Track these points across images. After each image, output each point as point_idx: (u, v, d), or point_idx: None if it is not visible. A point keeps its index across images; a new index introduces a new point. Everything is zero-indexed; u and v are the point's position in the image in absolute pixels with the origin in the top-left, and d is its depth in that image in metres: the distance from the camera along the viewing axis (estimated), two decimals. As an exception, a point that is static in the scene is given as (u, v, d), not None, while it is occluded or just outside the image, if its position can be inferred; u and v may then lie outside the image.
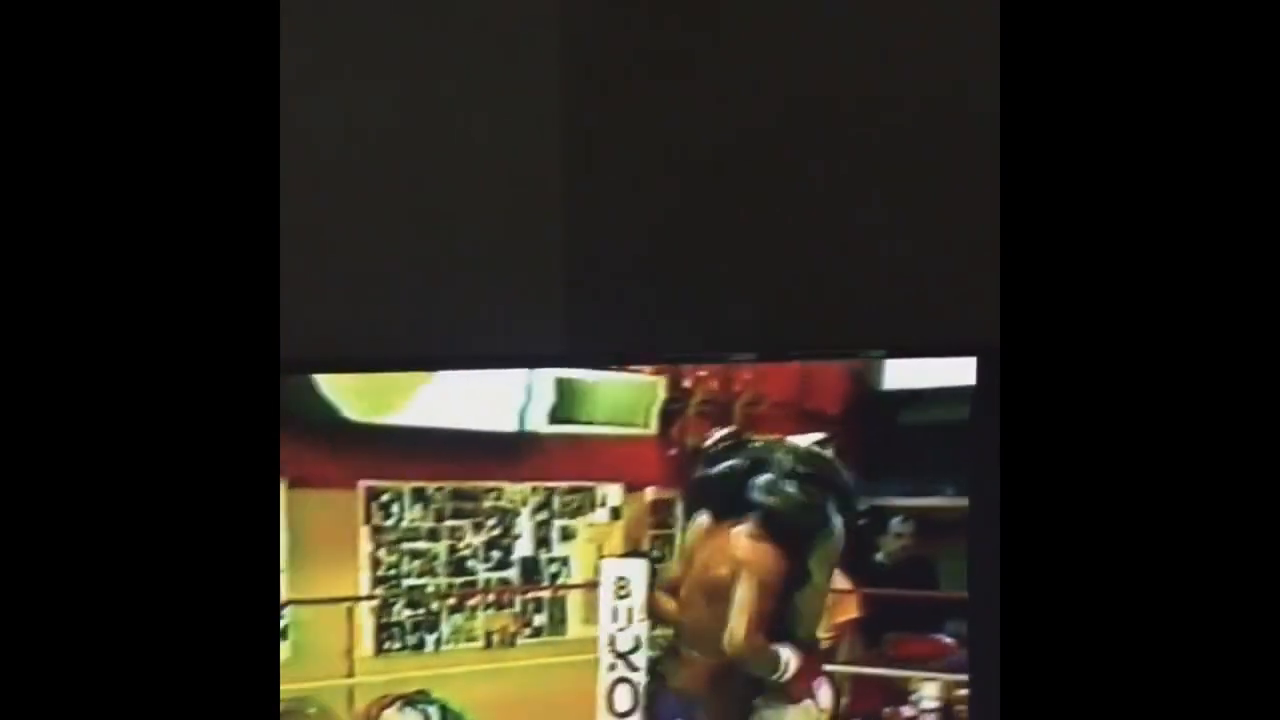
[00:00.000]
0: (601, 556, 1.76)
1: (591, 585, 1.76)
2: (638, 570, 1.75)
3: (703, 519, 1.73)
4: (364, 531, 1.71)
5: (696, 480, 1.74)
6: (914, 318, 1.77)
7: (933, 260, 1.79)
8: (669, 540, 1.75)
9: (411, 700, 1.73)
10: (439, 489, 1.73)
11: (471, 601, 1.75)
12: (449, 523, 1.74)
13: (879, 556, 1.74)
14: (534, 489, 1.75)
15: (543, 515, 1.76)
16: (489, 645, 1.75)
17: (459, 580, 1.74)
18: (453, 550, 1.74)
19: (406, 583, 1.73)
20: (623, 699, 1.75)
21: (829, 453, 1.71)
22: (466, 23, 1.91)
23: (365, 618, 1.72)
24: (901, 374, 1.72)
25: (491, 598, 1.75)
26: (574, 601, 1.76)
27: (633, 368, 1.74)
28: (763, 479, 1.72)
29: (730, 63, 1.87)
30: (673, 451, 1.74)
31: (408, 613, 1.74)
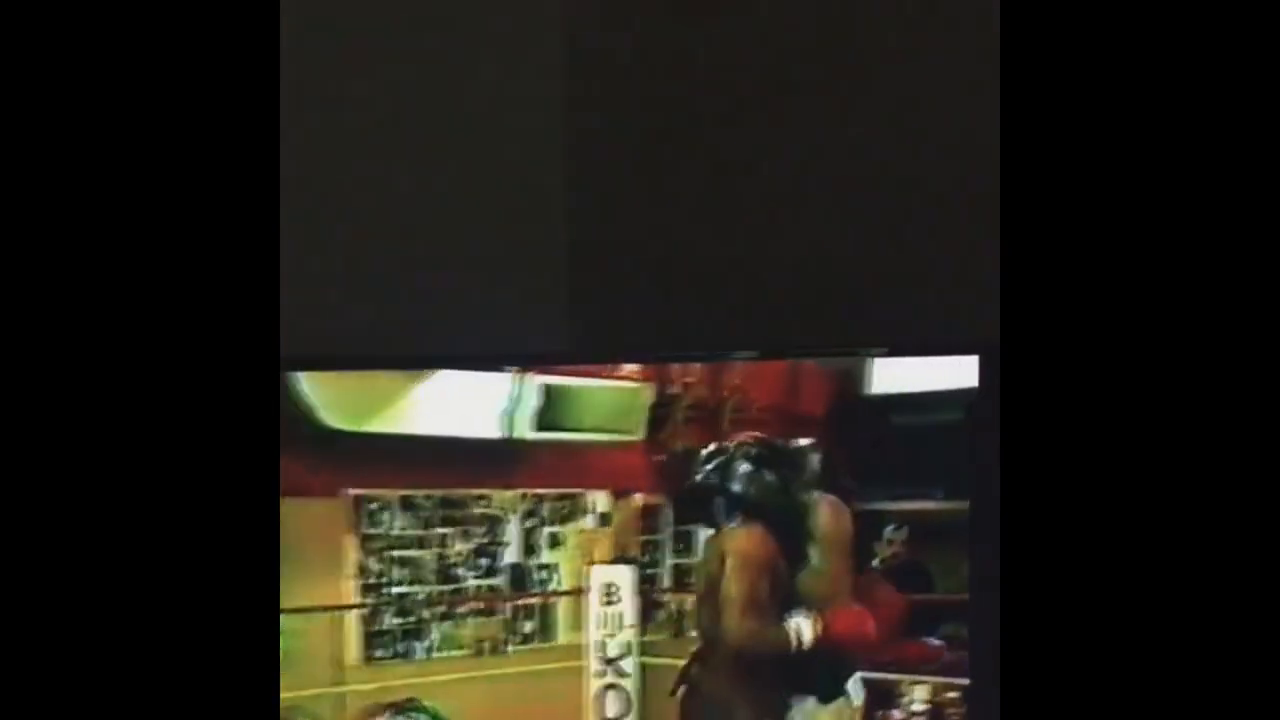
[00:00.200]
0: (590, 563, 1.75)
1: (580, 592, 1.75)
2: (626, 576, 1.74)
3: (705, 529, 1.73)
4: (351, 540, 1.71)
5: (690, 490, 1.73)
6: (914, 316, 1.77)
7: (933, 259, 1.80)
8: (658, 546, 1.75)
9: (401, 708, 1.72)
10: (427, 496, 1.73)
11: (460, 609, 1.74)
12: (437, 530, 1.73)
13: (874, 562, 1.73)
14: (522, 496, 1.74)
15: (531, 522, 1.75)
16: (478, 653, 1.75)
17: (448, 588, 1.74)
18: (441, 558, 1.73)
19: (395, 591, 1.72)
20: (612, 705, 1.75)
21: (817, 455, 1.71)
22: (469, 21, 1.91)
23: (354, 626, 1.71)
24: (890, 377, 1.71)
25: (480, 605, 1.74)
26: (563, 608, 1.76)
27: (624, 371, 1.73)
28: (751, 478, 1.71)
29: (731, 62, 1.87)
30: (661, 457, 1.74)
31: (396, 621, 1.73)
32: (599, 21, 1.92)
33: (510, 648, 1.75)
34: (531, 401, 1.72)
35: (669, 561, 1.75)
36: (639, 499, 1.75)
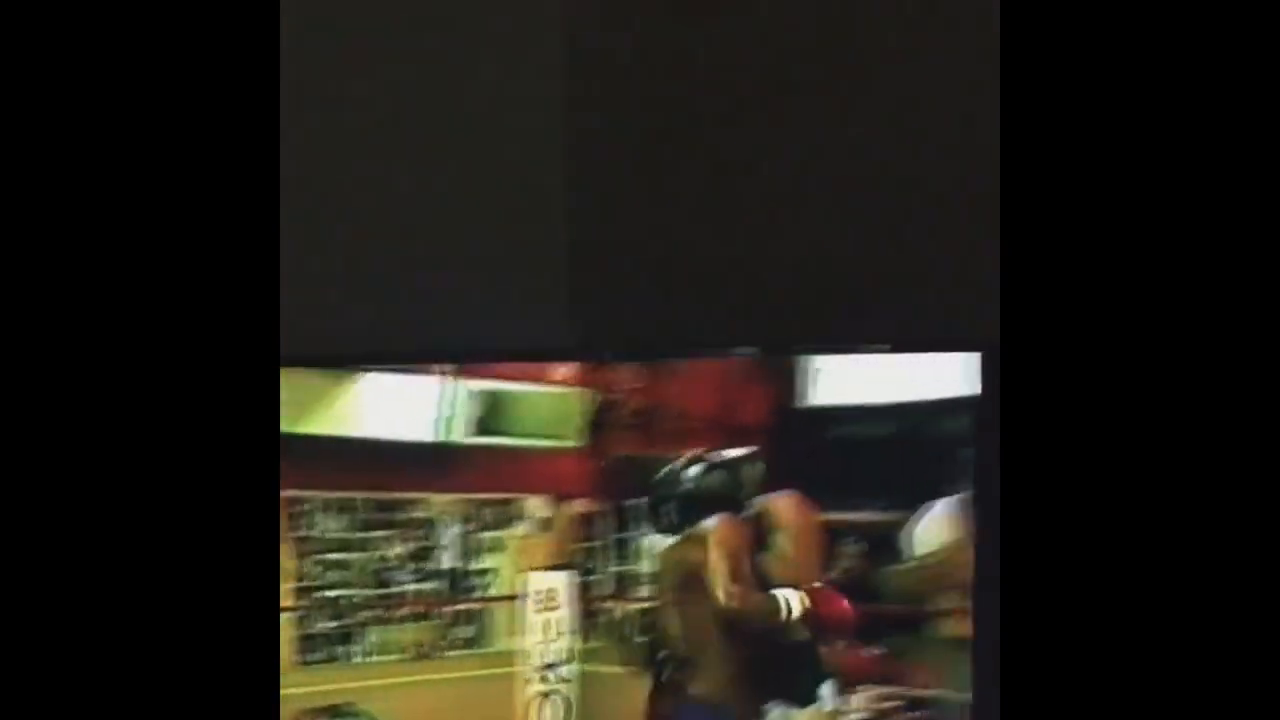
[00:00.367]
0: (528, 569, 1.73)
1: (517, 598, 1.73)
2: (564, 583, 1.72)
3: (654, 537, 1.72)
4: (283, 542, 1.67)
5: (654, 498, 1.71)
6: (915, 316, 1.77)
7: (933, 259, 1.80)
8: (598, 553, 1.72)
9: (337, 712, 1.70)
10: (363, 499, 1.71)
11: (396, 613, 1.72)
12: (372, 534, 1.72)
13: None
14: (459, 500, 1.72)
15: (468, 527, 1.73)
16: (414, 658, 1.73)
17: (382, 592, 1.72)
18: (375, 561, 1.71)
19: (328, 594, 1.70)
20: (548, 712, 1.73)
21: (758, 465, 1.70)
22: (469, 21, 1.91)
23: (286, 629, 1.68)
24: (832, 386, 1.70)
25: (416, 609, 1.72)
26: (500, 614, 1.73)
27: (561, 375, 1.72)
28: (700, 483, 1.71)
29: (731, 62, 1.87)
30: (600, 464, 1.72)
31: (330, 624, 1.71)
32: (599, 21, 1.91)
33: (446, 653, 1.73)
34: (468, 406, 1.70)
35: (612, 568, 1.73)
36: (578, 505, 1.73)
